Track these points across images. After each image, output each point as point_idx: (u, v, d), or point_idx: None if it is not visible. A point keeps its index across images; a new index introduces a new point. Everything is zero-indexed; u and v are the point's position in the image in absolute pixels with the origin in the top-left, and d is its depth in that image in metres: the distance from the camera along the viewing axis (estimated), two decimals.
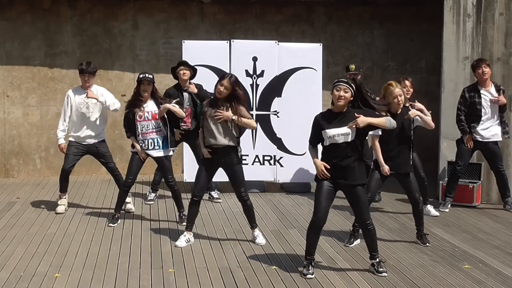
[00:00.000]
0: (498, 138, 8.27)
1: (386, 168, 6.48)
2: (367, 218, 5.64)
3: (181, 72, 8.15)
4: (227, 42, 9.25)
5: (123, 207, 7.67)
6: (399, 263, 6.07)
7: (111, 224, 7.32)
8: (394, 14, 11.20)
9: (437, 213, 7.99)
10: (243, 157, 9.03)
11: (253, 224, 6.76)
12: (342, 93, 5.42)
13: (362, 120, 5.38)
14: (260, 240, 6.67)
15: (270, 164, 9.30)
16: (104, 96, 7.87)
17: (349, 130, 5.43)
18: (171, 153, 7.40)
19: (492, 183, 8.71)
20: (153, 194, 8.66)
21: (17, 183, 10.19)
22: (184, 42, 9.25)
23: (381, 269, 5.72)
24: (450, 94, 8.88)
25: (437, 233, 7.20)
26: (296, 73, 9.28)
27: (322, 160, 5.59)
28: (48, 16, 10.64)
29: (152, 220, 7.63)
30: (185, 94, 8.22)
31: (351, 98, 5.49)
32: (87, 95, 7.75)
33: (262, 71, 9.22)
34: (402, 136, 6.52)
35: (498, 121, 8.24)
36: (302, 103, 9.15)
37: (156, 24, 10.90)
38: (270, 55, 9.21)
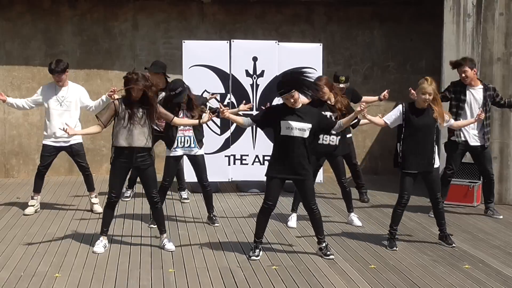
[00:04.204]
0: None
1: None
2: (313, 203, 6.10)
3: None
4: (227, 42, 9.25)
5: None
6: (399, 263, 6.07)
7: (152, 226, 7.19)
8: (394, 14, 11.19)
9: (360, 223, 7.48)
10: (243, 157, 9.09)
11: (162, 229, 6.50)
12: (292, 99, 5.86)
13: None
14: (169, 246, 6.39)
15: None
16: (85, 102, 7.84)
17: (307, 126, 5.88)
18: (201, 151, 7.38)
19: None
20: (129, 191, 8.79)
21: (17, 183, 10.19)
22: (184, 42, 9.25)
23: (329, 252, 6.17)
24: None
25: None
26: None
27: (273, 153, 6.05)
28: (48, 16, 10.65)
29: (152, 220, 7.62)
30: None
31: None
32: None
33: (262, 71, 9.21)
34: (427, 133, 6.42)
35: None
36: None
37: (156, 24, 10.90)
38: (270, 55, 9.21)
